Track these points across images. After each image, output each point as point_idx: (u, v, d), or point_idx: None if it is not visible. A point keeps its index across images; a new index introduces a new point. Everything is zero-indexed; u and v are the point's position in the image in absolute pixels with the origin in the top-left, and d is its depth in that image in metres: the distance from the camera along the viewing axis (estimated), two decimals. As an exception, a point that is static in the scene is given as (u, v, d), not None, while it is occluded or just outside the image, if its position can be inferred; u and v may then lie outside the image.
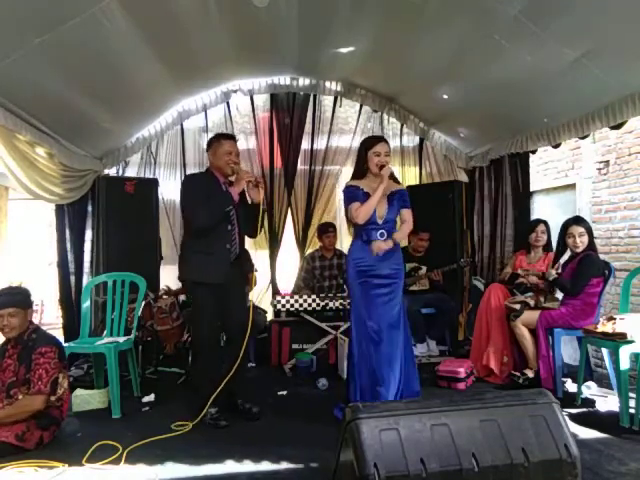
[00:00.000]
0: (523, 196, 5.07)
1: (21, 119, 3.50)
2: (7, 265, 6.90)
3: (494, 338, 4.15)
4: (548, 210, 5.64)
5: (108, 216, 4.90)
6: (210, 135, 3.76)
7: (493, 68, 3.82)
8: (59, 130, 3.98)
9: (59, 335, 4.38)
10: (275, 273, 5.64)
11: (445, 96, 4.76)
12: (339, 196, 3.73)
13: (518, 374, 3.92)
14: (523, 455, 1.87)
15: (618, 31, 2.93)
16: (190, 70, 4.50)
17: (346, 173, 5.36)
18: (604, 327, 3.29)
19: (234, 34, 4.07)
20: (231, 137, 3.47)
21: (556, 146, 4.48)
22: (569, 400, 3.54)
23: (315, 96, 5.65)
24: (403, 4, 3.51)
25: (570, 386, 3.89)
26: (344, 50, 4.53)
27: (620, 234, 4.77)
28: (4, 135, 3.35)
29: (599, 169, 5.04)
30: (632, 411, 3.07)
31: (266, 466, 2.66)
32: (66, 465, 2.64)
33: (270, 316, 5.16)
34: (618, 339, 3.16)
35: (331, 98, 5.67)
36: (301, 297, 4.68)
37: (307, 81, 5.54)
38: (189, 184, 3.41)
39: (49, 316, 7.39)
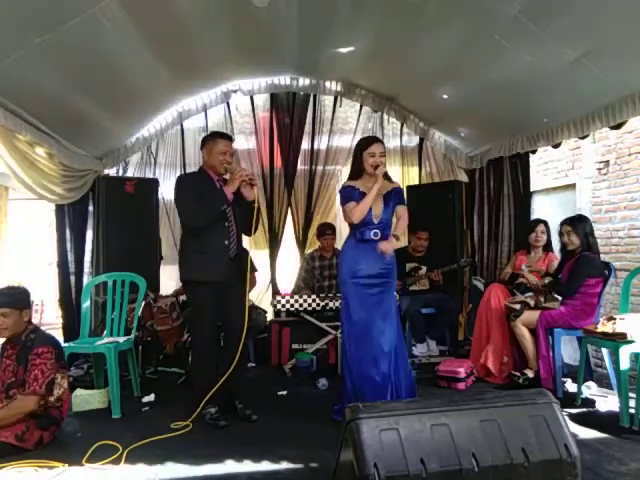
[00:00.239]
0: (523, 196, 5.08)
1: (21, 119, 3.50)
2: (7, 265, 6.90)
3: (494, 338, 4.15)
4: (548, 210, 5.64)
5: (108, 216, 4.90)
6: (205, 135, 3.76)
7: (493, 68, 3.82)
8: (59, 130, 3.98)
9: (59, 335, 4.39)
10: (275, 273, 5.64)
11: (445, 96, 4.76)
12: (339, 196, 3.77)
13: (518, 374, 3.92)
14: (523, 455, 1.87)
15: (618, 31, 2.93)
16: (190, 70, 4.50)
17: (346, 173, 5.35)
18: (604, 327, 3.29)
19: (234, 34, 4.07)
20: (227, 137, 3.47)
21: (556, 146, 4.49)
22: (569, 400, 3.54)
23: (315, 96, 5.65)
24: (403, 4, 3.51)
25: (570, 386, 3.89)
26: (344, 50, 4.53)
27: (620, 234, 4.77)
28: (4, 135, 3.35)
29: (599, 169, 5.04)
30: (632, 411, 3.07)
31: (266, 466, 2.66)
32: (66, 465, 2.64)
33: (270, 316, 5.16)
34: (618, 339, 3.16)
35: (331, 98, 5.67)
36: (301, 297, 4.68)
37: (307, 81, 5.54)
38: (182, 184, 3.40)
39: (49, 316, 7.39)
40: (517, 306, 4.02)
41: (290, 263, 5.82)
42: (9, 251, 7.10)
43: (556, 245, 4.40)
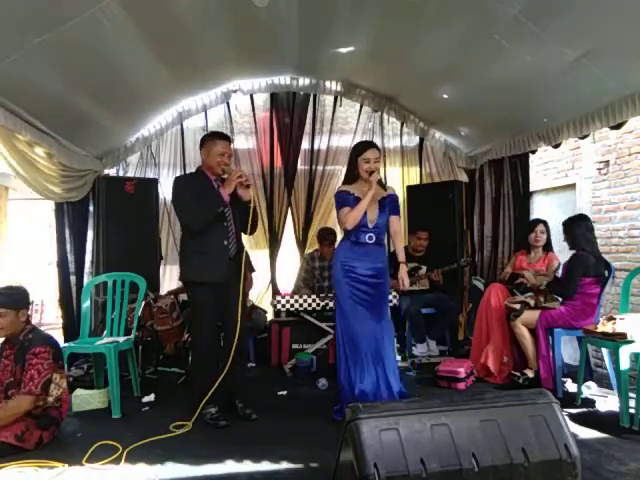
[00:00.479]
0: (523, 196, 5.08)
1: (21, 119, 3.50)
2: (7, 265, 6.90)
3: (494, 338, 4.15)
4: (548, 210, 5.63)
5: (108, 216, 4.90)
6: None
7: (493, 68, 3.82)
8: (59, 130, 3.98)
9: (59, 335, 4.39)
10: (275, 273, 5.64)
11: (445, 96, 4.76)
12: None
13: (518, 374, 3.92)
14: (523, 455, 1.87)
15: (618, 31, 2.93)
16: (190, 70, 4.50)
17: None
18: (604, 327, 3.29)
19: (234, 34, 4.07)
20: (226, 137, 3.45)
21: (556, 146, 4.49)
22: (569, 400, 3.54)
23: (315, 96, 5.65)
24: (403, 4, 3.51)
25: (570, 386, 3.89)
26: (344, 50, 4.53)
27: (620, 234, 4.77)
28: (4, 135, 3.35)
29: (599, 169, 5.04)
30: (632, 411, 3.07)
31: (266, 466, 2.66)
32: (66, 465, 2.64)
33: (270, 316, 5.16)
34: (618, 339, 3.16)
35: (331, 98, 5.67)
36: (301, 297, 4.67)
37: (307, 81, 5.54)
38: (180, 185, 3.40)
39: (49, 316, 7.39)
40: (517, 306, 4.02)
41: (290, 263, 5.81)
42: (9, 251, 7.10)
43: (556, 245, 4.41)
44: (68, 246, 4.74)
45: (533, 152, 4.85)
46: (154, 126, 5.35)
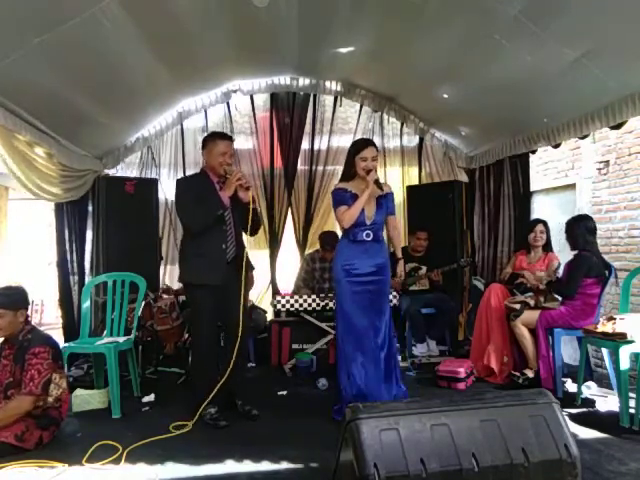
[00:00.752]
0: (523, 196, 5.08)
1: (21, 119, 3.50)
2: (7, 265, 6.90)
3: (494, 338, 4.15)
4: (548, 210, 5.63)
5: (108, 216, 4.90)
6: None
7: (493, 68, 3.82)
8: (59, 130, 3.98)
9: (59, 335, 4.40)
10: (275, 273, 5.64)
11: (445, 96, 4.76)
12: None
13: (518, 374, 3.92)
14: (523, 455, 1.87)
15: (618, 31, 2.93)
16: (190, 70, 4.50)
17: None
18: (604, 327, 3.29)
19: (234, 34, 4.07)
20: (227, 137, 3.45)
21: (556, 146, 4.49)
22: (569, 400, 3.54)
23: (315, 96, 5.65)
24: (403, 4, 3.51)
25: (570, 386, 3.89)
26: (344, 50, 4.53)
27: (620, 234, 4.76)
28: (4, 135, 3.35)
29: (599, 169, 5.03)
30: (632, 411, 3.07)
31: (266, 466, 2.66)
32: (66, 465, 2.64)
33: (270, 316, 5.16)
34: (618, 339, 3.16)
35: (331, 98, 5.67)
36: (301, 297, 4.67)
37: (307, 81, 5.54)
38: (181, 187, 3.41)
39: (49, 316, 7.39)
40: (517, 306, 4.02)
41: (290, 263, 5.81)
42: (9, 251, 7.10)
43: (556, 245, 4.41)
44: (68, 246, 4.74)
45: (533, 152, 4.85)
46: (154, 126, 5.35)
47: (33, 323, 3.27)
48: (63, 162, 4.15)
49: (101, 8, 2.93)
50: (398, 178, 5.91)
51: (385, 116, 5.82)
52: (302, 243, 5.72)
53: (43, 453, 2.77)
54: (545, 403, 2.02)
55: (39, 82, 3.33)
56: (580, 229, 3.82)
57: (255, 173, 5.60)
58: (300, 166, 5.73)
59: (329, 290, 4.95)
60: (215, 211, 3.22)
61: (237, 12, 3.69)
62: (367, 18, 3.82)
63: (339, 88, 5.60)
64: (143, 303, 4.19)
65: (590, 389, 3.69)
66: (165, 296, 4.83)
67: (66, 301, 4.72)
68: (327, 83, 5.57)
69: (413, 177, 6.02)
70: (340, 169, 5.74)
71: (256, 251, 5.53)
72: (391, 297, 4.40)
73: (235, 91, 5.48)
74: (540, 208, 5.78)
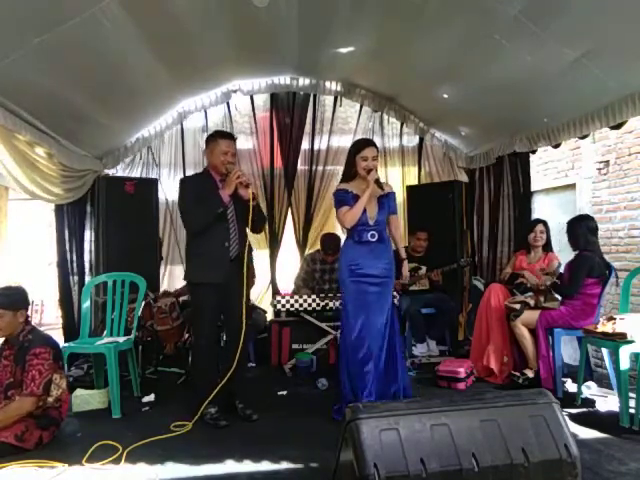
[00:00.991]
0: (523, 196, 5.07)
1: (21, 119, 3.50)
2: (7, 265, 6.90)
3: (494, 338, 4.14)
4: (548, 210, 5.64)
5: (108, 216, 4.90)
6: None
7: (493, 68, 3.82)
8: (59, 130, 3.98)
9: (59, 335, 4.39)
10: (275, 273, 5.64)
11: (445, 96, 4.76)
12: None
13: (518, 374, 3.92)
14: (523, 455, 1.87)
15: (618, 31, 2.93)
16: (190, 70, 4.50)
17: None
18: (604, 327, 3.29)
19: (234, 34, 4.07)
20: (229, 136, 3.46)
21: (556, 146, 4.49)
22: (569, 400, 3.54)
23: (315, 96, 5.65)
24: (403, 4, 3.51)
25: (570, 386, 3.89)
26: (344, 50, 4.53)
27: (620, 234, 4.77)
28: (3, 135, 3.35)
29: (599, 169, 5.04)
30: (632, 411, 3.07)
31: (266, 466, 2.66)
32: (66, 465, 2.64)
33: (270, 316, 5.16)
34: (618, 339, 3.16)
35: (331, 98, 5.67)
36: (301, 297, 4.67)
37: (307, 81, 5.54)
38: (183, 187, 3.43)
39: (49, 316, 7.39)
40: (517, 306, 4.02)
41: (290, 263, 5.81)
42: (9, 251, 7.09)
43: (556, 245, 4.41)
44: (68, 246, 4.74)
45: (533, 152, 4.85)
46: (154, 126, 5.35)
47: (33, 323, 3.26)
48: (63, 162, 4.15)
49: (101, 8, 2.93)
50: (398, 178, 5.91)
51: (385, 116, 5.82)
52: (302, 243, 5.72)
53: (43, 453, 2.77)
54: (545, 403, 2.02)
55: (39, 82, 3.34)
56: (582, 229, 3.82)
57: (255, 173, 5.59)
58: (300, 166, 5.73)
59: (329, 290, 4.95)
60: (215, 209, 3.22)
61: (237, 12, 3.69)
62: (367, 18, 3.82)
63: (339, 88, 5.59)
64: (143, 303, 4.19)
65: (590, 389, 3.69)
66: (164, 296, 4.83)
67: (66, 301, 4.72)
68: (327, 83, 5.57)
69: (413, 177, 6.02)
70: (340, 169, 5.76)
71: (256, 251, 5.53)
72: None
73: (235, 91, 5.48)
74: (540, 208, 5.78)
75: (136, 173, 5.43)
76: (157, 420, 3.35)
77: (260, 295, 5.61)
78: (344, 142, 5.78)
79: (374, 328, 3.27)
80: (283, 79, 5.49)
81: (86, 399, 3.61)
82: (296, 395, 3.96)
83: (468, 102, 4.60)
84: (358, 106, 5.74)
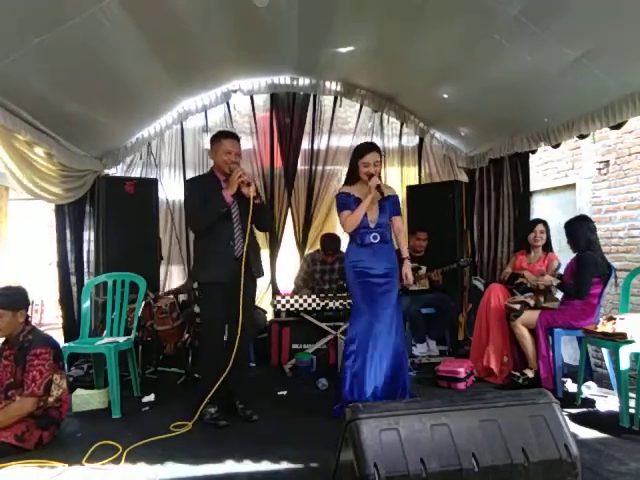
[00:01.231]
0: (523, 196, 5.08)
1: (20, 119, 3.49)
2: (7, 265, 6.90)
3: (494, 338, 4.14)
4: (548, 210, 5.64)
5: (108, 216, 4.90)
6: (211, 134, 3.76)
7: (493, 68, 3.82)
8: (58, 130, 3.98)
9: (59, 335, 4.39)
10: (275, 273, 5.64)
11: (445, 96, 4.76)
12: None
13: (518, 374, 3.92)
14: (523, 455, 1.87)
15: (618, 31, 2.93)
16: (190, 70, 4.50)
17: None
18: (604, 327, 3.29)
19: (234, 34, 4.07)
20: (232, 136, 3.46)
21: (556, 146, 4.48)
22: (569, 400, 3.55)
23: (315, 96, 5.65)
24: (403, 4, 3.51)
25: (570, 386, 3.89)
26: (344, 50, 4.53)
27: (620, 234, 4.77)
28: (3, 135, 3.35)
29: (599, 169, 5.04)
30: (632, 411, 3.07)
31: (266, 466, 2.66)
32: (66, 465, 2.64)
33: (270, 316, 5.16)
34: (618, 339, 3.16)
35: (331, 98, 5.67)
36: (301, 297, 4.68)
37: (307, 81, 5.53)
38: (188, 187, 3.48)
39: (49, 316, 7.39)
40: (517, 306, 4.01)
41: (290, 263, 5.81)
42: (9, 251, 7.09)
43: (556, 245, 4.41)
44: (68, 246, 4.74)
45: (533, 152, 4.85)
46: (154, 126, 5.34)
47: (33, 323, 3.26)
48: (63, 162, 4.15)
49: (101, 8, 2.92)
50: (398, 178, 5.91)
51: (385, 116, 5.82)
52: (302, 243, 5.72)
53: (43, 453, 2.77)
54: (545, 403, 2.02)
55: (39, 82, 3.33)
56: (583, 229, 3.82)
57: (255, 173, 5.59)
58: (300, 166, 5.72)
59: (329, 290, 4.95)
60: (217, 209, 3.24)
61: (237, 12, 3.69)
62: (367, 18, 3.82)
63: (339, 88, 5.59)
64: (143, 303, 4.19)
65: (590, 389, 3.69)
66: (165, 296, 4.83)
67: (66, 301, 4.72)
68: (327, 83, 5.56)
69: (413, 177, 6.02)
70: (340, 169, 5.81)
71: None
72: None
73: (235, 91, 5.47)
74: (540, 208, 5.78)
75: (136, 173, 5.43)
76: (157, 420, 3.35)
77: (260, 295, 5.60)
78: (344, 142, 5.79)
79: (382, 327, 3.30)
80: (283, 79, 5.49)
81: (86, 399, 3.61)
82: (296, 395, 3.96)
83: (468, 102, 4.60)
84: (358, 106, 5.73)
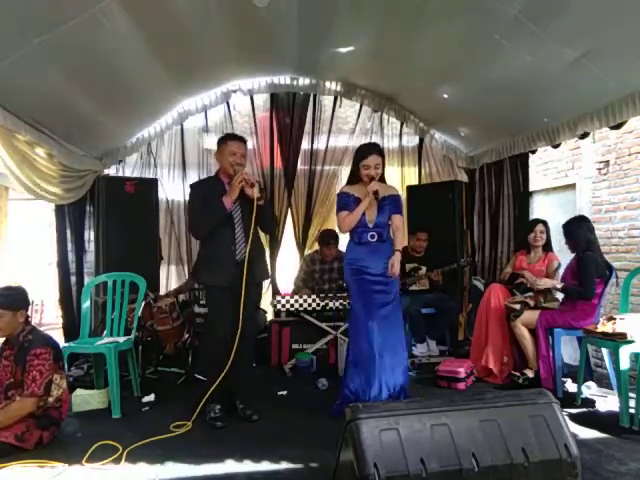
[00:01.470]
0: (523, 196, 5.08)
1: (21, 119, 3.49)
2: (7, 265, 6.90)
3: (493, 338, 4.14)
4: (548, 210, 5.64)
5: (108, 216, 4.90)
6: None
7: (493, 68, 3.82)
8: (59, 130, 3.98)
9: (59, 335, 4.39)
10: (275, 273, 5.64)
11: (445, 96, 4.76)
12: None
13: (518, 374, 3.92)
14: (523, 455, 1.87)
15: (618, 31, 2.93)
16: (190, 70, 4.50)
17: (346, 173, 5.39)
18: (604, 327, 3.29)
19: (234, 34, 4.07)
20: (238, 138, 3.46)
21: (556, 146, 4.48)
22: (569, 400, 3.55)
23: (315, 96, 5.65)
24: (403, 4, 3.51)
25: (570, 386, 3.89)
26: (344, 50, 4.53)
27: (620, 234, 4.77)
28: (4, 135, 3.35)
29: (599, 169, 5.04)
30: (632, 411, 3.08)
31: (266, 466, 2.66)
32: (66, 465, 2.64)
33: (270, 316, 5.16)
34: (618, 339, 3.16)
35: (331, 98, 5.67)
36: (301, 297, 4.68)
37: (307, 81, 5.54)
38: (191, 192, 3.48)
39: (49, 316, 7.39)
40: (517, 306, 4.02)
41: (290, 263, 5.82)
42: (9, 251, 7.10)
43: (556, 245, 4.41)
44: (68, 246, 4.74)
45: (533, 152, 4.85)
46: (154, 126, 5.34)
47: (33, 323, 3.26)
48: (63, 162, 4.15)
49: (101, 8, 2.92)
50: (398, 178, 5.91)
51: (385, 116, 5.82)
52: (302, 243, 5.72)
53: (43, 453, 2.77)
54: (545, 403, 2.02)
55: (39, 82, 3.33)
56: (582, 229, 3.82)
57: (255, 173, 5.59)
58: (300, 166, 5.73)
59: (329, 290, 4.95)
60: (217, 216, 3.24)
61: (237, 12, 3.69)
62: (367, 18, 3.82)
63: (339, 88, 5.59)
64: (143, 303, 4.19)
65: (590, 389, 3.69)
66: (165, 296, 4.83)
67: (66, 301, 4.72)
68: (327, 83, 5.56)
69: (413, 177, 6.02)
70: (340, 169, 5.81)
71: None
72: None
73: (235, 91, 5.48)
74: (540, 208, 5.78)
75: (136, 173, 5.43)
76: (157, 420, 3.35)
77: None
78: (344, 142, 5.79)
79: (378, 325, 3.30)
80: (283, 79, 5.49)
81: (86, 399, 3.61)
82: (296, 395, 3.96)
83: (468, 102, 4.60)
84: (358, 106, 5.73)
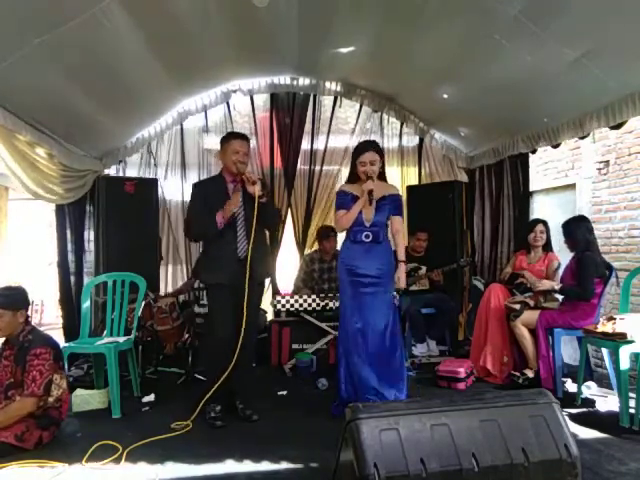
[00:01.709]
0: (523, 196, 5.07)
1: (21, 119, 3.50)
2: (7, 265, 6.90)
3: (493, 338, 4.14)
4: (548, 210, 5.64)
5: (108, 216, 4.90)
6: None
7: (493, 68, 3.82)
8: (59, 130, 3.98)
9: (59, 335, 4.39)
10: (275, 273, 5.64)
11: (445, 96, 4.76)
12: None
13: (518, 374, 3.92)
14: (523, 455, 1.87)
15: (618, 31, 2.94)
16: (190, 70, 4.50)
17: (345, 173, 5.39)
18: (604, 327, 3.29)
19: (234, 34, 4.07)
20: (241, 136, 3.45)
21: (556, 146, 4.48)
22: (569, 400, 3.55)
23: (315, 96, 5.65)
24: (403, 4, 3.51)
25: (570, 386, 3.89)
26: (344, 50, 4.53)
27: (620, 234, 4.77)
28: (4, 135, 3.35)
29: (599, 169, 5.04)
30: (632, 411, 3.07)
31: (266, 466, 2.66)
32: (66, 465, 2.64)
33: (270, 316, 5.16)
34: (618, 339, 3.16)
35: (331, 98, 5.67)
36: (301, 297, 4.68)
37: (307, 81, 5.54)
38: (194, 192, 3.48)
39: (49, 316, 7.39)
40: (517, 306, 4.02)
41: (290, 263, 5.82)
42: (9, 251, 7.10)
43: (556, 245, 4.41)
44: (68, 246, 4.75)
45: (533, 152, 4.85)
46: (154, 126, 5.34)
47: (33, 323, 3.26)
48: (64, 162, 4.15)
49: (101, 8, 2.93)
50: (398, 178, 5.91)
51: (385, 116, 5.82)
52: (302, 243, 5.72)
53: (43, 453, 2.77)
54: (545, 403, 2.02)
55: (39, 83, 3.33)
56: (581, 229, 3.82)
57: (255, 173, 5.59)
58: (300, 166, 5.73)
59: (329, 290, 4.95)
60: (210, 231, 3.26)
61: (237, 12, 3.69)
62: (367, 18, 3.82)
63: (339, 88, 5.59)
64: (143, 303, 4.19)
65: (590, 389, 3.69)
66: (165, 296, 4.83)
67: (66, 301, 4.72)
68: (327, 83, 5.56)
69: (413, 177, 6.02)
70: (340, 169, 5.81)
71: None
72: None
73: (235, 91, 5.48)
74: (540, 208, 5.78)
75: (136, 173, 5.43)
76: (157, 420, 3.35)
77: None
78: (344, 142, 5.79)
79: (370, 327, 3.28)
80: (283, 79, 5.49)
81: (86, 399, 3.61)
82: (296, 395, 3.96)
83: (468, 102, 4.60)
84: (358, 106, 5.73)
